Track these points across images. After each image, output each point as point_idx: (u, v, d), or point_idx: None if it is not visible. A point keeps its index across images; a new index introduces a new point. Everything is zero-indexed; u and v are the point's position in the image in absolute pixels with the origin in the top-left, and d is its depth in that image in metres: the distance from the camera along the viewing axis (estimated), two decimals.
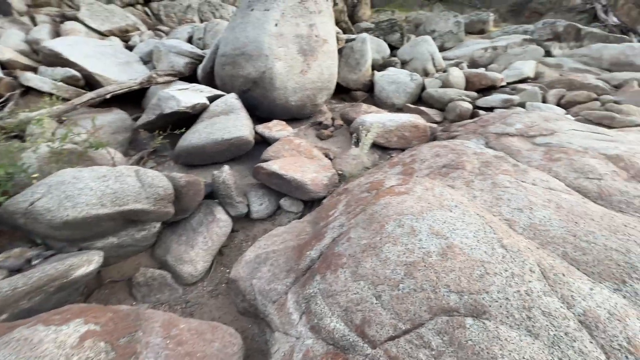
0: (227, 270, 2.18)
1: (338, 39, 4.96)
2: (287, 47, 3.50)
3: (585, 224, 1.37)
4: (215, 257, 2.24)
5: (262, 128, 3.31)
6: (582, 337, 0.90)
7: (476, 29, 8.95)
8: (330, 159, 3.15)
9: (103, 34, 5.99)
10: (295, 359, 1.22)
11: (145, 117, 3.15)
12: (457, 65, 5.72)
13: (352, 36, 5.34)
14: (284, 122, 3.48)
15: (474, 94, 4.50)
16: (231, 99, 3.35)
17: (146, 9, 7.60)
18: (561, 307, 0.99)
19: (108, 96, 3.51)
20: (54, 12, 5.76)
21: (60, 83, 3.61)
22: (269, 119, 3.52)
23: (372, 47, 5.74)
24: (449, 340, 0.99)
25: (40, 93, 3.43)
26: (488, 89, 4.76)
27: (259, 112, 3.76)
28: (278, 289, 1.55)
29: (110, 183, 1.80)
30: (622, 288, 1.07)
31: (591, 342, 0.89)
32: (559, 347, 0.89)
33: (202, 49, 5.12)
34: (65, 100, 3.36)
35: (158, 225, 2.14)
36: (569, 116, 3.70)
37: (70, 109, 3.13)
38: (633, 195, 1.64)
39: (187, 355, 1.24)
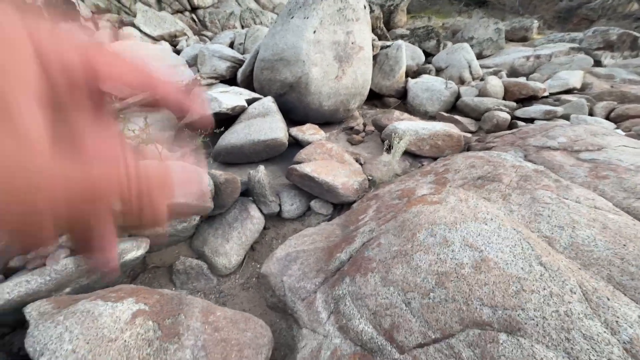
0: (258, 266, 2.28)
1: (373, 46, 5.00)
2: (324, 54, 3.59)
3: (635, 247, 1.30)
4: (247, 252, 2.35)
5: (296, 131, 3.42)
6: None
7: (518, 36, 8.58)
8: (360, 164, 3.19)
9: (155, 39, 6.47)
10: (323, 356, 1.26)
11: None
12: (495, 73, 5.54)
13: (388, 43, 5.34)
14: (316, 126, 3.57)
15: (513, 104, 4.33)
16: (268, 102, 3.49)
17: (193, 15, 8.10)
18: (604, 332, 0.95)
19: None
20: (114, 19, 6.32)
21: None
22: (302, 123, 3.63)
23: (407, 54, 5.71)
24: (480, 354, 0.99)
25: None
26: (528, 99, 4.57)
27: (293, 115, 3.88)
28: (307, 288, 1.61)
29: None
30: None
31: None
32: None
33: (242, 54, 5.38)
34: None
35: (197, 218, 2.29)
36: (619, 131, 3.46)
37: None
38: None
39: (223, 342, 1.33)
